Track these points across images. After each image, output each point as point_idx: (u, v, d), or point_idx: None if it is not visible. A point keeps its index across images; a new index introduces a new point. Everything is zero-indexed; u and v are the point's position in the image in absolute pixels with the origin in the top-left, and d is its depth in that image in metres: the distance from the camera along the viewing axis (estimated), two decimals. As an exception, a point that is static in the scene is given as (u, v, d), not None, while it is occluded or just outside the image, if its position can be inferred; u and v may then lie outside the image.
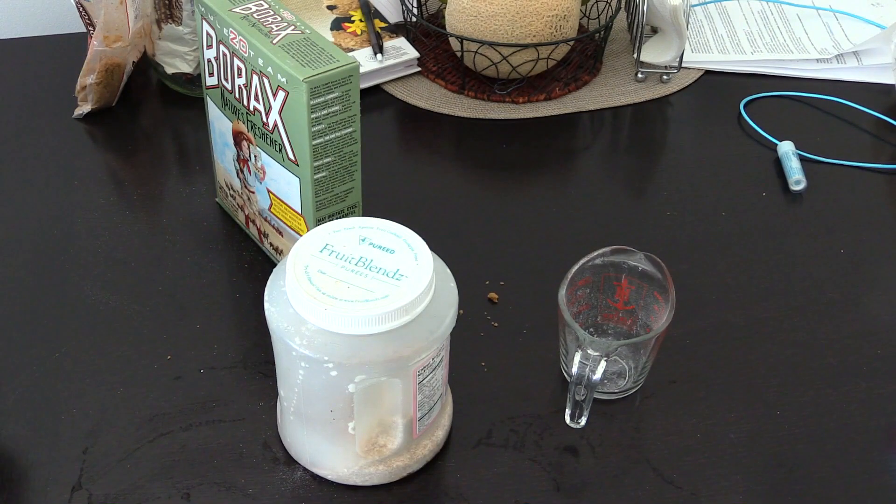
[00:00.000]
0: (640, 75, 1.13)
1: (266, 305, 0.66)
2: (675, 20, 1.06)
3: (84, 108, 1.04)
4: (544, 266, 0.89)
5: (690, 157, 1.04)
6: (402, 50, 1.12)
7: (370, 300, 0.62)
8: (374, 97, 1.09)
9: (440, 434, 0.73)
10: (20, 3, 1.20)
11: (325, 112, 0.75)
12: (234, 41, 0.79)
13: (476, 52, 1.06)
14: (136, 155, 1.01)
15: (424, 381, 0.67)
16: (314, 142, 0.76)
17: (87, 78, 1.02)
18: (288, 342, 0.63)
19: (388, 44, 1.12)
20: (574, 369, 0.70)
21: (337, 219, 0.73)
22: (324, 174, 0.78)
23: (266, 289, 0.66)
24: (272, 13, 0.80)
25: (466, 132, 1.06)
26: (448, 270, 0.68)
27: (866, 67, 1.16)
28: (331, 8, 1.17)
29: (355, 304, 0.62)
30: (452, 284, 0.68)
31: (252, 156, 0.84)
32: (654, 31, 1.16)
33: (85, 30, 1.04)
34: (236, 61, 0.80)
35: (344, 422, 0.67)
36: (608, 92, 1.12)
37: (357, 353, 0.63)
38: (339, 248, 0.66)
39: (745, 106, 1.10)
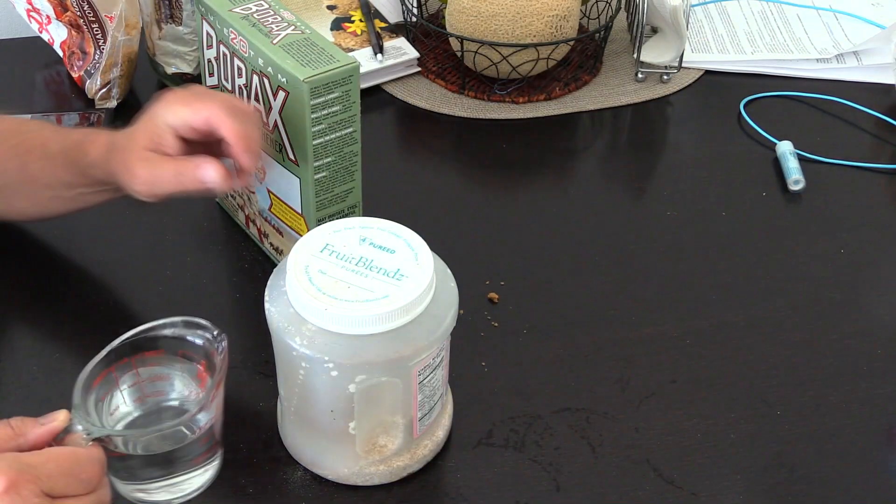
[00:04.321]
0: (640, 75, 1.13)
1: (266, 305, 0.66)
2: (675, 20, 1.06)
3: (110, 104, 1.05)
4: (544, 266, 0.89)
5: (690, 157, 1.04)
6: (402, 50, 1.12)
7: (370, 300, 0.62)
8: (374, 97, 1.09)
9: (440, 434, 0.73)
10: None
11: (325, 112, 0.75)
12: (235, 41, 0.79)
13: (476, 52, 1.06)
14: (136, 155, 1.01)
15: (425, 381, 0.67)
16: (314, 142, 0.76)
17: (110, 73, 1.03)
18: (288, 342, 0.63)
19: (388, 44, 1.13)
20: None
21: (337, 219, 0.73)
22: (324, 174, 0.78)
23: (266, 289, 0.66)
24: (272, 13, 0.80)
25: (466, 132, 1.06)
26: (448, 270, 0.68)
27: (866, 67, 1.16)
28: (331, 8, 1.17)
29: (356, 304, 0.62)
30: (452, 284, 0.68)
31: (252, 156, 0.84)
32: (654, 31, 1.16)
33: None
34: (236, 61, 0.80)
35: (344, 422, 0.67)
36: (608, 92, 1.12)
37: (358, 353, 0.63)
38: (339, 248, 0.66)
39: (744, 106, 1.10)
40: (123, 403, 0.65)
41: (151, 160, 0.71)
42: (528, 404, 0.77)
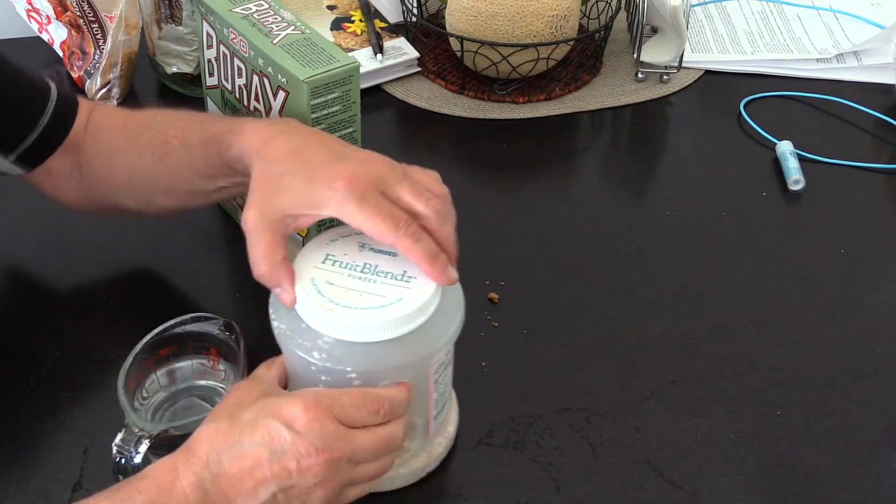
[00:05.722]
0: (640, 75, 1.13)
1: (274, 323, 0.64)
2: (675, 20, 1.06)
3: (110, 104, 1.05)
4: (544, 266, 0.89)
5: (690, 157, 1.04)
6: (402, 50, 1.12)
7: (386, 305, 0.62)
8: (374, 97, 1.09)
9: (451, 429, 0.73)
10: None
11: (325, 112, 0.75)
12: (235, 41, 0.79)
13: (476, 52, 1.06)
14: (136, 155, 1.01)
15: (439, 380, 0.67)
16: (314, 142, 0.76)
17: (110, 73, 1.03)
18: (305, 357, 0.62)
19: (388, 44, 1.12)
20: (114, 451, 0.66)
21: (338, 223, 0.73)
22: (324, 174, 0.78)
23: (270, 306, 0.65)
24: (272, 13, 0.80)
25: (466, 132, 1.06)
26: None
27: (866, 67, 1.16)
28: (331, 8, 1.17)
29: (372, 311, 0.62)
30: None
31: (252, 156, 0.84)
32: (654, 31, 1.16)
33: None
34: (236, 61, 0.80)
35: None
36: (608, 92, 1.12)
37: (380, 359, 0.62)
38: (340, 257, 0.65)
39: (745, 106, 1.10)
40: (151, 393, 0.72)
41: (263, 223, 0.64)
42: (528, 404, 0.77)
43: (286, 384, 0.66)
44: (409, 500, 0.70)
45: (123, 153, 0.78)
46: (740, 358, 0.81)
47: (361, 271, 0.64)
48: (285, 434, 0.57)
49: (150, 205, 0.79)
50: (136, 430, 0.66)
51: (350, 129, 0.78)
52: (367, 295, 0.63)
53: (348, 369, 0.62)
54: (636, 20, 1.14)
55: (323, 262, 0.65)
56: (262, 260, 0.64)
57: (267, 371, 0.65)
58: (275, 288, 0.64)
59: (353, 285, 0.63)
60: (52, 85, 0.79)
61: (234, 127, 0.70)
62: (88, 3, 1.02)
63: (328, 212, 0.63)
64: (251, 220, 0.65)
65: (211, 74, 0.86)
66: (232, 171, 0.71)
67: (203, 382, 0.74)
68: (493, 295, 0.85)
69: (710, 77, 1.15)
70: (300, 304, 0.63)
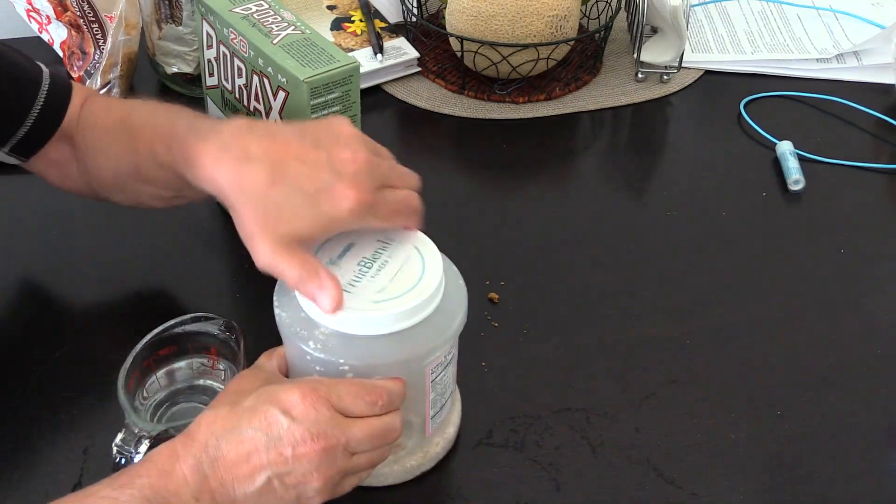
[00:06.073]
0: (640, 75, 1.13)
1: (276, 311, 0.65)
2: (675, 20, 1.06)
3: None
4: (544, 266, 0.89)
5: (690, 157, 1.04)
6: (402, 50, 1.12)
7: (385, 300, 0.62)
8: (374, 97, 1.09)
9: (451, 431, 0.73)
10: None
11: (325, 112, 0.76)
12: (235, 41, 0.79)
13: (476, 52, 1.06)
14: (136, 155, 1.01)
15: (437, 379, 0.67)
16: (314, 142, 0.76)
17: (110, 73, 1.03)
18: (301, 346, 0.62)
19: (388, 44, 1.12)
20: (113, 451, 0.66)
21: None
22: (324, 174, 0.78)
23: (275, 294, 0.65)
24: (272, 13, 0.80)
25: (466, 132, 1.06)
26: (455, 268, 0.68)
27: (866, 67, 1.16)
28: (331, 8, 1.17)
29: (371, 305, 0.61)
30: (461, 282, 0.68)
31: (252, 156, 0.84)
32: (654, 31, 1.16)
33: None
34: (236, 61, 0.80)
35: None
36: (608, 92, 1.12)
37: (374, 354, 0.62)
38: (339, 276, 0.64)
39: (745, 106, 1.10)
40: (151, 392, 0.72)
41: (283, 250, 0.62)
42: (528, 404, 0.77)
43: (287, 374, 0.66)
44: (408, 500, 0.70)
45: (105, 155, 0.77)
46: (740, 358, 0.81)
47: (369, 268, 0.64)
48: (282, 420, 0.58)
49: (141, 203, 0.79)
50: (136, 430, 0.66)
51: (350, 129, 0.78)
52: (401, 279, 0.63)
53: (341, 361, 0.62)
54: (636, 20, 1.14)
55: (345, 290, 0.63)
56: (305, 277, 0.62)
57: (268, 360, 0.66)
58: (324, 292, 0.61)
59: (384, 280, 0.63)
60: (45, 72, 0.78)
61: (191, 154, 0.67)
62: (88, 3, 1.02)
63: (345, 228, 0.64)
64: (266, 257, 0.63)
65: (211, 74, 0.86)
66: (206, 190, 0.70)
67: (203, 382, 0.74)
68: (493, 295, 0.85)
69: (710, 77, 1.15)
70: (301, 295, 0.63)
